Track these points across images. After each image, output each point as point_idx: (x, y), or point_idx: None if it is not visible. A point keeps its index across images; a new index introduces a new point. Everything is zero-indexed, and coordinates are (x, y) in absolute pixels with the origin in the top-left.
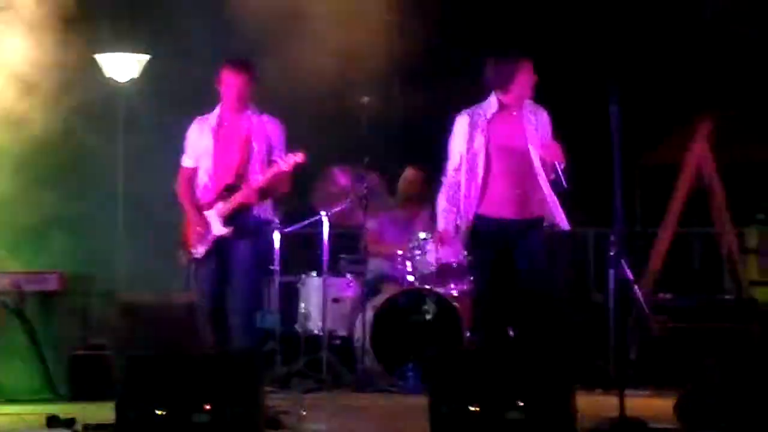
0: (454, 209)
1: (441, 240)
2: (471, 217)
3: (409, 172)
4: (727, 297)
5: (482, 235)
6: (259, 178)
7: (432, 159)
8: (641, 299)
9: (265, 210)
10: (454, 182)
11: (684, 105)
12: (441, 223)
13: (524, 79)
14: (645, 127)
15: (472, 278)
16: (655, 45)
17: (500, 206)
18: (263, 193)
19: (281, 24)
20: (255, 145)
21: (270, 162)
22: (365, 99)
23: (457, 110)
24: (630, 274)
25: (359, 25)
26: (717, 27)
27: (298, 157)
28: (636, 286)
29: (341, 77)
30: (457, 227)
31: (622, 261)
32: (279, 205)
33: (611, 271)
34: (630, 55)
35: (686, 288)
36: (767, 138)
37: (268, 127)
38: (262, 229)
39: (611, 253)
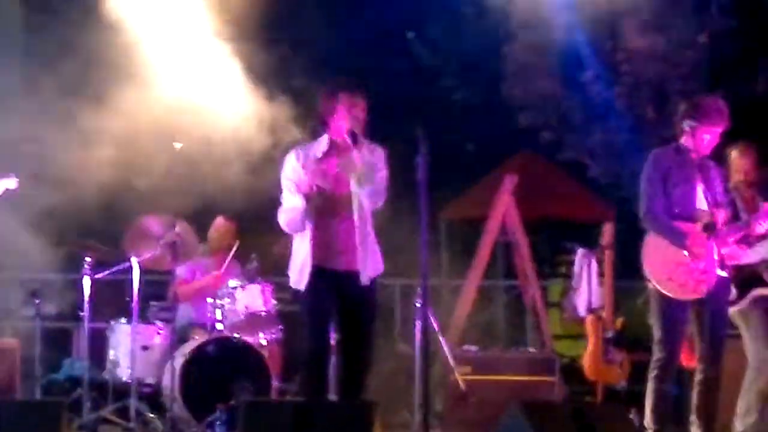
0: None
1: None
2: (308, 268)
3: (219, 221)
4: (530, 350)
5: (313, 285)
6: None
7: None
8: (446, 351)
9: None
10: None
11: (488, 160)
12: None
13: (342, 115)
14: (449, 181)
15: (281, 327)
16: (460, 97)
17: (332, 254)
18: None
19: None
20: None
21: None
22: (178, 145)
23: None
24: (436, 326)
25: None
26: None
27: (10, 183)
28: (441, 338)
29: (156, 123)
30: None
31: (428, 312)
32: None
33: (417, 322)
34: (436, 106)
35: (490, 340)
36: (569, 194)
37: None
38: None
39: (417, 305)
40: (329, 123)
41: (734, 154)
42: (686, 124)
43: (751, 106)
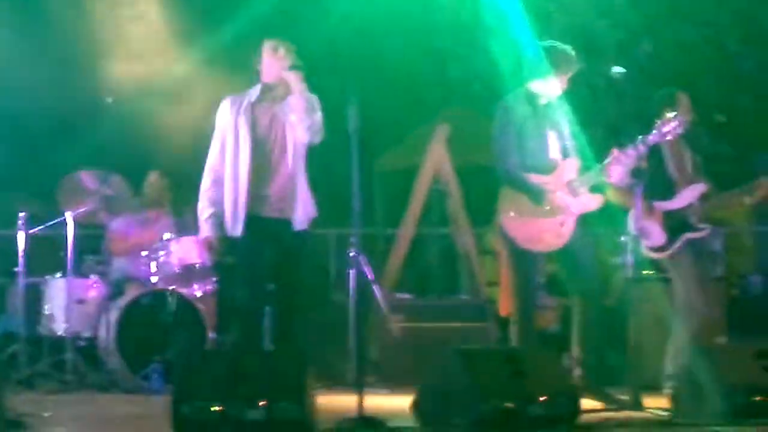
0: (218, 211)
1: (209, 249)
2: (242, 214)
3: (152, 176)
4: (463, 297)
5: (248, 234)
6: None
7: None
8: (381, 299)
9: None
10: (216, 179)
11: (420, 108)
12: (205, 230)
13: (268, 59)
14: (383, 130)
15: (216, 279)
16: (392, 50)
17: (266, 202)
18: None
19: None
20: None
21: None
22: (109, 99)
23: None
24: (370, 274)
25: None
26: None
27: None
28: (376, 286)
29: (86, 76)
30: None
31: (362, 261)
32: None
33: (351, 271)
34: (369, 58)
35: (424, 288)
36: None
37: None
38: None
39: (351, 254)
40: (260, 70)
41: (685, 99)
42: (538, 72)
43: (680, 52)
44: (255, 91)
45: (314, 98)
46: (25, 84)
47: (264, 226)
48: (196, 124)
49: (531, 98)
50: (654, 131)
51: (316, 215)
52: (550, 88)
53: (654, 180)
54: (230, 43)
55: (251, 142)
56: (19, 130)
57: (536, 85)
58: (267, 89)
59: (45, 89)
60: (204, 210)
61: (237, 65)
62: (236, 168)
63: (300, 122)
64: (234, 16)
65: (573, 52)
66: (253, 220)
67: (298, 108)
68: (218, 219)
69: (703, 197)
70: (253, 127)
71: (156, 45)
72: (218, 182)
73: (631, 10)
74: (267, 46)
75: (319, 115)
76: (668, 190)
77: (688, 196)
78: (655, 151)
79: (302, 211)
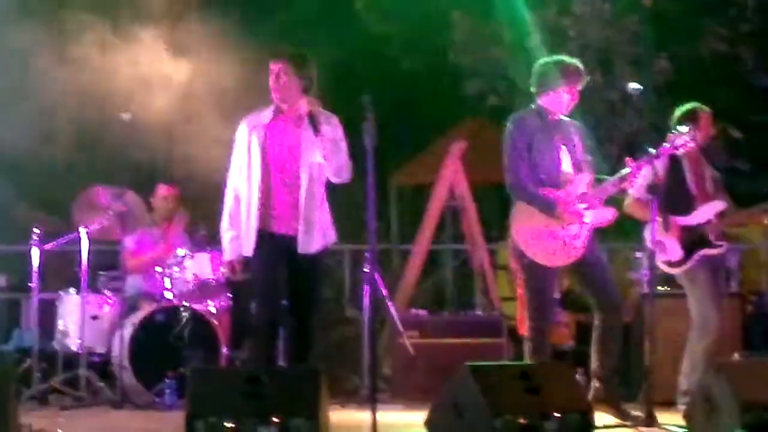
0: (238, 233)
1: (232, 271)
2: (254, 233)
3: (161, 189)
4: (478, 313)
5: (263, 252)
6: None
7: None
8: (395, 315)
9: None
10: (234, 201)
11: (436, 124)
12: (227, 253)
13: (274, 80)
14: (398, 147)
15: (231, 295)
16: (407, 69)
17: (279, 221)
18: None
19: None
20: None
21: None
22: (126, 115)
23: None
24: (384, 291)
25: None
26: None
27: None
28: (390, 302)
29: (102, 94)
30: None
31: (377, 277)
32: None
33: (366, 287)
34: (385, 73)
35: (439, 304)
36: None
37: None
38: None
39: (366, 270)
40: (271, 92)
41: (706, 115)
42: (547, 86)
43: (697, 68)
44: (269, 112)
45: (336, 123)
46: (45, 98)
47: (277, 242)
48: (213, 140)
49: (541, 113)
50: (666, 143)
51: (331, 241)
52: (559, 102)
53: (673, 194)
54: (246, 60)
55: (261, 163)
56: (36, 146)
57: (545, 100)
58: (279, 110)
59: (63, 105)
60: (226, 232)
61: (253, 81)
62: (250, 188)
63: (327, 166)
64: (251, 31)
65: (581, 65)
66: (264, 237)
67: (324, 150)
68: (237, 241)
69: (721, 214)
70: (264, 147)
71: (173, 64)
72: (238, 202)
73: (647, 26)
74: (270, 69)
75: (344, 156)
76: (687, 205)
77: (706, 212)
78: (675, 166)
79: (317, 237)
